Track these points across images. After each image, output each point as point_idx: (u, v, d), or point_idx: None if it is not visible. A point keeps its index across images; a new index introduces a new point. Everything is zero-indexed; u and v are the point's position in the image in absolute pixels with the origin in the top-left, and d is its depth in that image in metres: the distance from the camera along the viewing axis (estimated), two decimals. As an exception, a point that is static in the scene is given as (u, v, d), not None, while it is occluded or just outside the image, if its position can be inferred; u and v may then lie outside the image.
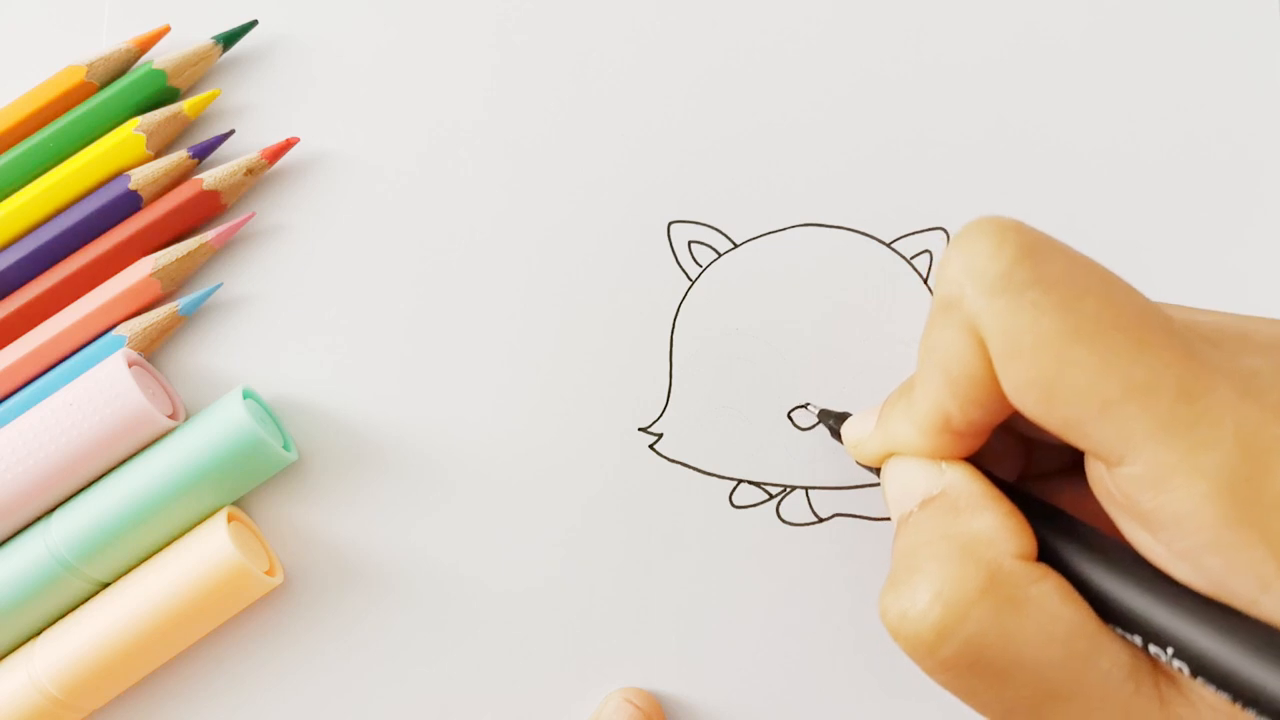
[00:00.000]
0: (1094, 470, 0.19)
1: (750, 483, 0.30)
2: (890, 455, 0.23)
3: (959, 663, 0.18)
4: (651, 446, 0.30)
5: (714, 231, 0.31)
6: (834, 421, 0.28)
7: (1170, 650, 0.17)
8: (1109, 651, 0.18)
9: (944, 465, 0.21)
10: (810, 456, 0.30)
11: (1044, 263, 0.18)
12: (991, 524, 0.19)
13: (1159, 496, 0.17)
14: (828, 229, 0.31)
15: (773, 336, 0.30)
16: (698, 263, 0.31)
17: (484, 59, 0.32)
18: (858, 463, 0.25)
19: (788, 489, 0.29)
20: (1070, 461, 0.23)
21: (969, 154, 0.31)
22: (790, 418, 0.30)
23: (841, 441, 0.27)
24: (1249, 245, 0.30)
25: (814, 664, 0.29)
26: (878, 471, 0.24)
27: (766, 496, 0.29)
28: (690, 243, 0.31)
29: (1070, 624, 0.18)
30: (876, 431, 0.23)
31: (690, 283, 0.31)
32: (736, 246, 0.31)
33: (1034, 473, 0.24)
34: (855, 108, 0.31)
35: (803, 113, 0.31)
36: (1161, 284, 0.30)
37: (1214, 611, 0.17)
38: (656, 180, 0.31)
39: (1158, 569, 0.18)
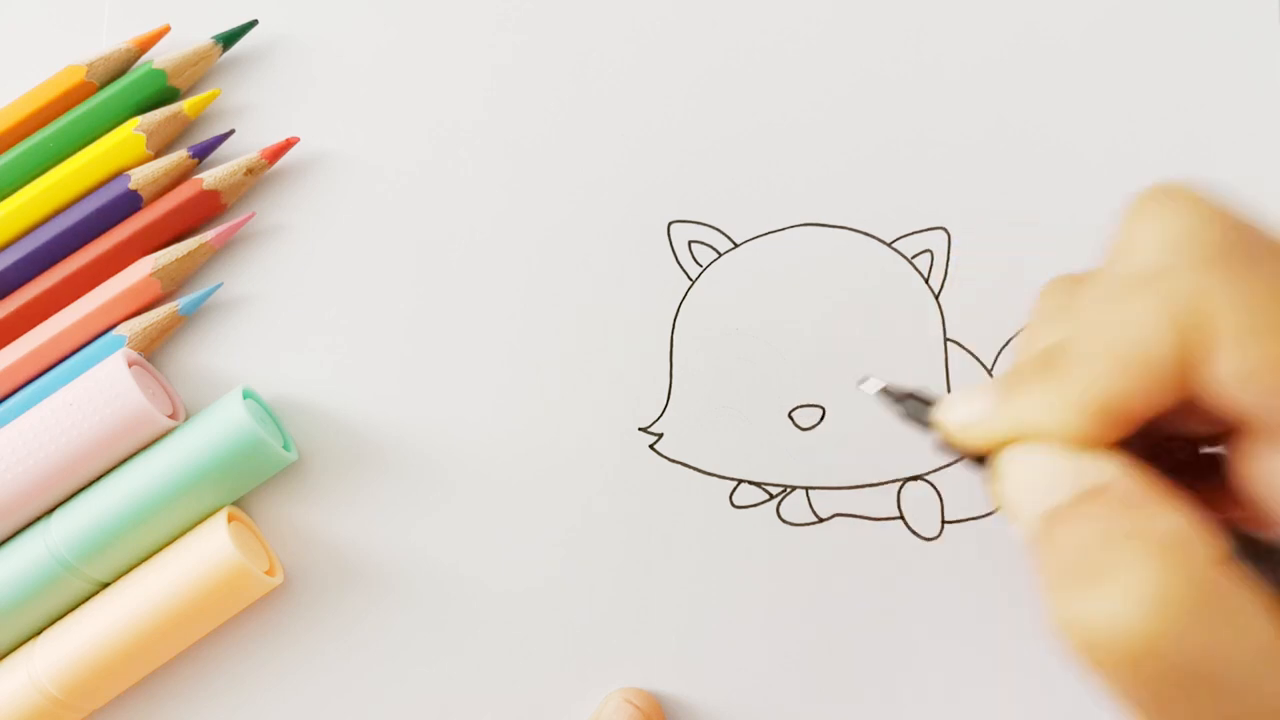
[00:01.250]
0: (1261, 464, 0.17)
1: (750, 483, 0.30)
2: (1012, 440, 0.20)
3: (1163, 677, 0.17)
4: (652, 446, 0.30)
5: (714, 231, 0.31)
6: (906, 401, 0.24)
7: None
8: None
9: (1098, 456, 0.19)
10: (810, 456, 0.30)
11: (1257, 233, 0.17)
12: (1182, 523, 0.17)
13: None
14: (828, 229, 0.31)
15: (773, 336, 0.30)
16: (698, 263, 0.31)
17: (484, 59, 0.32)
18: (949, 446, 0.22)
19: (788, 489, 0.29)
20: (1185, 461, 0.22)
21: (969, 154, 0.31)
22: (791, 417, 0.30)
23: (918, 423, 0.24)
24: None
25: (814, 664, 0.29)
26: (979, 460, 0.21)
27: (766, 496, 0.29)
28: (690, 243, 0.31)
29: (1274, 636, 0.17)
30: (1001, 411, 0.20)
31: (690, 283, 0.31)
32: (736, 246, 0.31)
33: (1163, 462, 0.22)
34: (855, 108, 0.31)
35: (803, 113, 0.31)
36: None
37: None
38: (656, 180, 0.31)
39: None
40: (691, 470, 0.30)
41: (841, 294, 0.30)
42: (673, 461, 0.30)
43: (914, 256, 0.30)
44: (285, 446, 0.29)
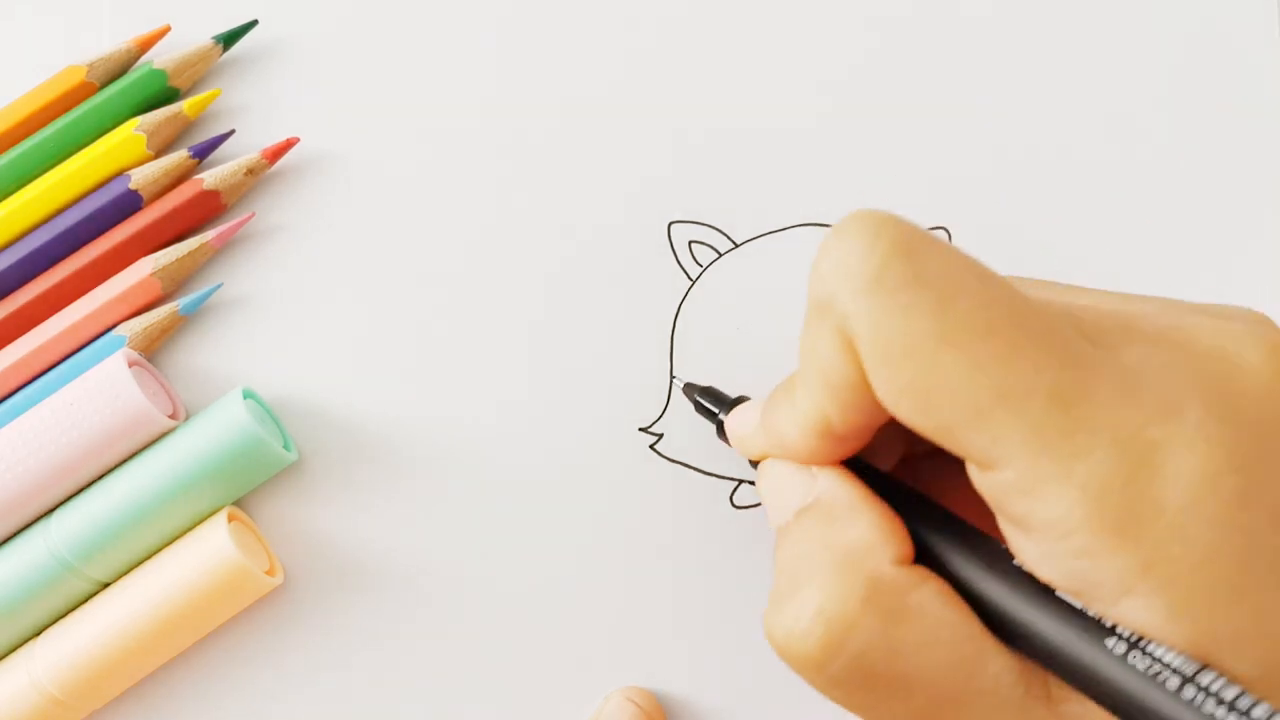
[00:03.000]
0: (970, 470, 0.18)
1: (750, 483, 0.30)
2: (767, 454, 0.22)
3: (849, 679, 0.18)
4: (652, 446, 0.30)
5: (714, 231, 0.31)
6: (701, 397, 0.27)
7: (1034, 652, 0.17)
8: (996, 654, 0.18)
9: (816, 471, 0.21)
10: (810, 456, 0.30)
11: (918, 262, 0.18)
12: (866, 531, 0.19)
13: (1030, 503, 0.17)
14: (828, 228, 0.31)
15: (773, 336, 0.30)
16: (698, 263, 0.31)
17: (485, 58, 0.32)
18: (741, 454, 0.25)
19: (788, 489, 0.29)
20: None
21: (969, 154, 0.31)
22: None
23: (711, 420, 0.27)
24: (1246, 244, 0.30)
25: (814, 664, 0.29)
26: (754, 465, 0.23)
27: (767, 496, 0.29)
28: (690, 243, 0.31)
29: (955, 629, 0.18)
30: (760, 429, 0.22)
31: (690, 283, 0.31)
32: (737, 246, 0.31)
33: (920, 450, 0.23)
34: (855, 108, 0.31)
35: (803, 112, 0.31)
36: (1162, 282, 0.30)
37: (1072, 614, 0.17)
38: (656, 180, 0.31)
39: (1027, 572, 0.18)
40: (691, 470, 0.30)
41: (841, 294, 0.30)
42: (673, 461, 0.30)
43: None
44: (285, 446, 0.29)
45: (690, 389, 0.28)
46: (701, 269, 0.31)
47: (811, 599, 0.18)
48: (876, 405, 0.19)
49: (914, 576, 0.19)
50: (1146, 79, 0.31)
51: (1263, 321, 0.18)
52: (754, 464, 0.24)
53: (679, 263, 0.31)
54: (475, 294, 0.31)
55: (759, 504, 0.29)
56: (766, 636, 0.19)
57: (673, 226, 0.31)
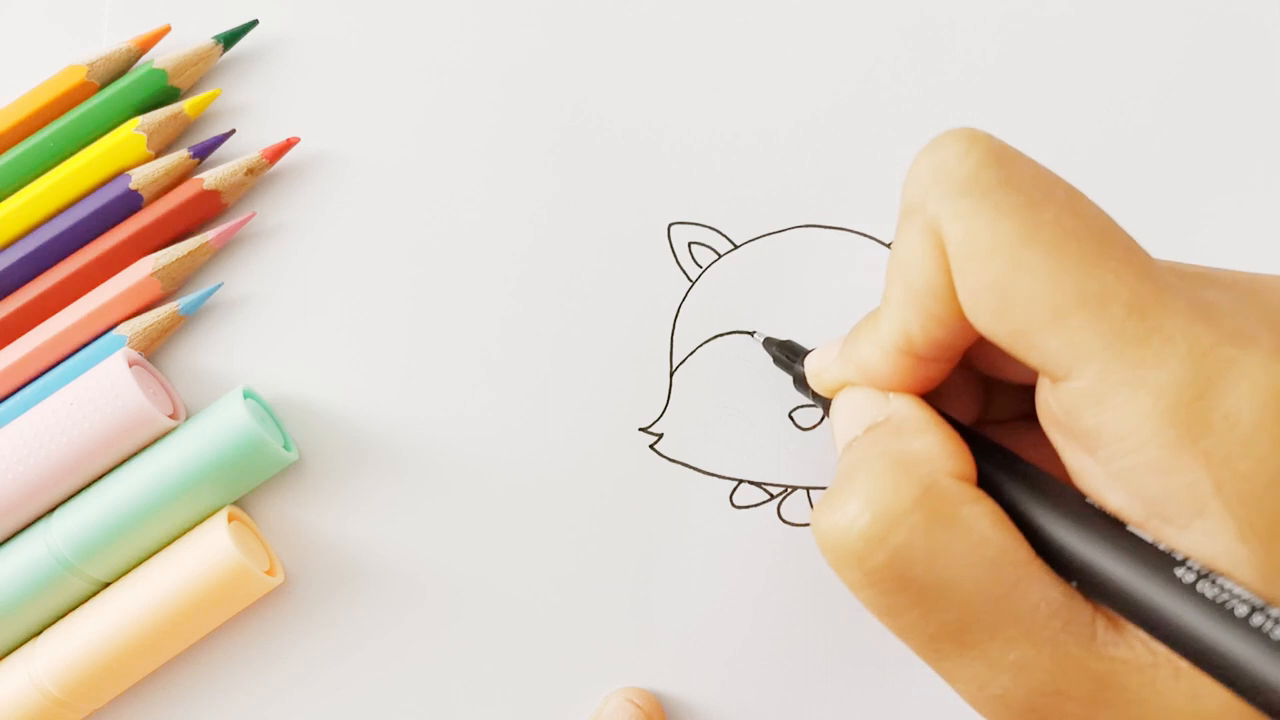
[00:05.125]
0: (1041, 394, 0.18)
1: (750, 483, 0.30)
2: (845, 385, 0.22)
3: (885, 575, 0.18)
4: (652, 446, 0.30)
5: (714, 232, 0.31)
6: (779, 350, 0.28)
7: (1091, 585, 0.17)
8: (1039, 584, 0.18)
9: (891, 395, 0.21)
10: (811, 457, 0.30)
11: (1010, 167, 0.18)
12: (931, 443, 0.19)
13: (1102, 412, 0.17)
14: (828, 229, 0.31)
15: (773, 336, 0.30)
16: (698, 263, 0.31)
17: (485, 59, 0.32)
18: (806, 390, 0.25)
19: (788, 489, 0.30)
20: (1026, 410, 0.23)
21: (968, 155, 0.31)
22: (791, 418, 0.30)
23: (790, 374, 0.27)
24: (1251, 239, 0.30)
25: (815, 664, 0.29)
26: (828, 405, 0.23)
27: (767, 496, 0.30)
28: (690, 243, 0.31)
29: (1000, 549, 0.18)
30: (839, 358, 0.22)
31: (690, 283, 0.31)
32: (736, 247, 0.31)
33: (990, 418, 0.23)
34: (855, 108, 0.31)
35: (802, 113, 0.31)
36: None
37: (1143, 550, 0.17)
38: (656, 181, 0.31)
39: (1093, 504, 0.18)
40: (691, 470, 0.30)
41: (841, 294, 0.30)
42: (673, 461, 0.30)
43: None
44: (285, 446, 0.29)
45: (770, 342, 0.28)
46: (701, 270, 0.31)
47: (862, 490, 0.18)
48: (958, 318, 0.19)
49: (970, 492, 0.18)
50: (1149, 79, 0.31)
51: None
52: (825, 409, 0.24)
53: (679, 264, 0.31)
54: (475, 294, 0.31)
55: (759, 504, 0.30)
56: (812, 530, 0.19)
57: (672, 228, 0.31)
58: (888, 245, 0.30)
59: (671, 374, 0.30)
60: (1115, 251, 0.17)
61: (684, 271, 0.31)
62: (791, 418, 0.30)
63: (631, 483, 0.30)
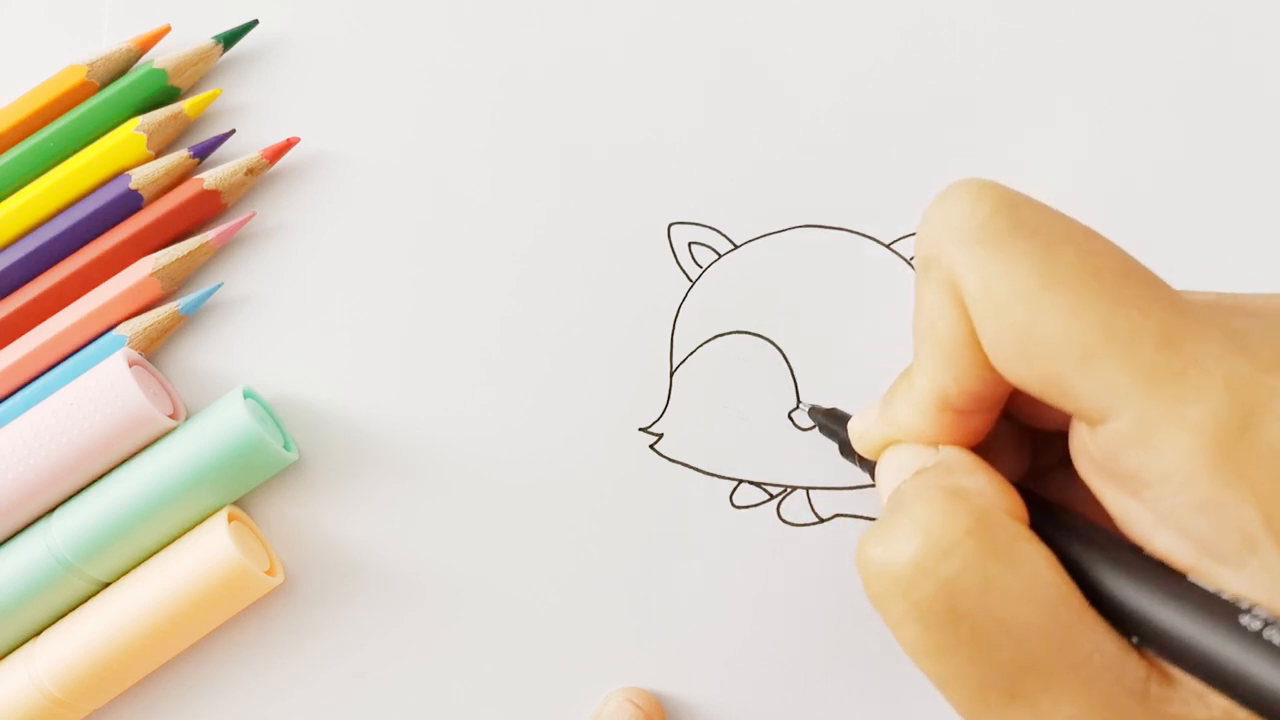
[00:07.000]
0: (1078, 439, 0.18)
1: (750, 483, 0.30)
2: (888, 444, 0.22)
3: (933, 608, 0.17)
4: (652, 446, 0.30)
5: (714, 232, 0.31)
6: (824, 418, 0.27)
7: (1150, 637, 0.17)
8: (1093, 633, 0.17)
9: (940, 447, 0.20)
10: (810, 456, 0.30)
11: (1021, 213, 0.18)
12: (983, 481, 0.19)
13: (1144, 453, 0.16)
14: (828, 229, 0.31)
15: (772, 336, 0.30)
16: (698, 263, 0.31)
17: (485, 59, 0.32)
18: (852, 455, 0.25)
19: (788, 489, 0.30)
20: (1063, 457, 0.22)
21: (969, 154, 0.31)
22: (790, 418, 0.30)
23: (835, 440, 0.27)
24: (1253, 245, 0.30)
25: (815, 664, 0.29)
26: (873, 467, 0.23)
27: (767, 496, 0.30)
28: (690, 243, 0.31)
29: (1056, 590, 0.17)
30: (879, 420, 0.22)
31: (690, 283, 0.31)
32: (736, 247, 0.31)
33: (1036, 470, 0.23)
34: (855, 108, 0.31)
35: (803, 113, 0.31)
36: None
37: (1205, 600, 0.16)
38: (656, 181, 0.31)
39: (1149, 555, 0.17)
40: (691, 470, 0.30)
41: (841, 294, 0.30)
42: (673, 461, 0.30)
43: (913, 257, 0.30)
44: (285, 446, 0.29)
45: (815, 411, 0.28)
46: (701, 269, 0.31)
47: (912, 518, 0.18)
48: (990, 370, 0.18)
49: (1024, 531, 0.18)
50: (1150, 79, 0.31)
51: None
52: (872, 473, 0.23)
53: (679, 264, 0.31)
54: (475, 294, 0.31)
55: (759, 504, 0.29)
56: (856, 562, 0.18)
57: (673, 228, 0.31)
58: (888, 245, 0.30)
59: (671, 374, 0.30)
60: (1138, 287, 0.17)
61: (684, 271, 0.31)
62: (791, 418, 0.30)
63: (631, 483, 0.30)
